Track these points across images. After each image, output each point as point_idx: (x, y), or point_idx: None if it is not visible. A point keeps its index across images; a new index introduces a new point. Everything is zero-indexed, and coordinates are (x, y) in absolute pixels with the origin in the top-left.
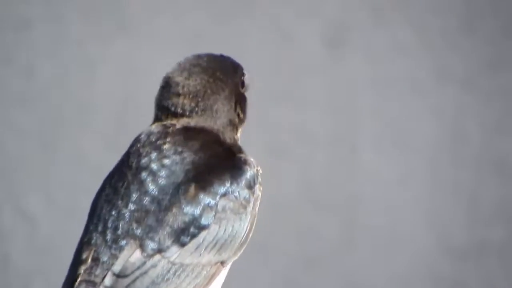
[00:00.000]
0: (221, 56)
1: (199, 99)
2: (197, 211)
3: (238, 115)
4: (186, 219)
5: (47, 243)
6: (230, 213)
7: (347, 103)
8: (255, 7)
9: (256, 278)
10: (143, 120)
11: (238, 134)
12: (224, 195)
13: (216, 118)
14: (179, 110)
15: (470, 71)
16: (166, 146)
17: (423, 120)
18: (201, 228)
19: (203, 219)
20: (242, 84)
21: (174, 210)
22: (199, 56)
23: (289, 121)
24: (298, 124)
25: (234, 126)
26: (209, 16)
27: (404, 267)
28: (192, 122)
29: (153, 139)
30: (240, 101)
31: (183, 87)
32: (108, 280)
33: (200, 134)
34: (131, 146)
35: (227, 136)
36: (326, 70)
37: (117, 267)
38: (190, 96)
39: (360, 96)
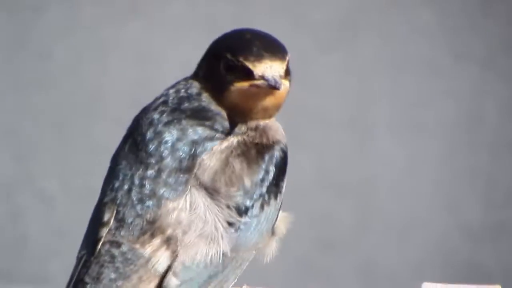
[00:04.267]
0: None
1: None
2: (246, 199)
3: None
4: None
5: (64, 225)
6: (272, 199)
7: (363, 86)
8: None
9: (271, 262)
10: None
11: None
12: (265, 180)
13: None
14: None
15: (488, 52)
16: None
17: (440, 102)
18: (246, 215)
19: (251, 207)
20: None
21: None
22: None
23: (304, 105)
24: (313, 108)
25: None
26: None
27: (419, 250)
28: None
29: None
30: None
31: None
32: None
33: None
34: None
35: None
36: (342, 52)
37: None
38: None
39: (376, 79)
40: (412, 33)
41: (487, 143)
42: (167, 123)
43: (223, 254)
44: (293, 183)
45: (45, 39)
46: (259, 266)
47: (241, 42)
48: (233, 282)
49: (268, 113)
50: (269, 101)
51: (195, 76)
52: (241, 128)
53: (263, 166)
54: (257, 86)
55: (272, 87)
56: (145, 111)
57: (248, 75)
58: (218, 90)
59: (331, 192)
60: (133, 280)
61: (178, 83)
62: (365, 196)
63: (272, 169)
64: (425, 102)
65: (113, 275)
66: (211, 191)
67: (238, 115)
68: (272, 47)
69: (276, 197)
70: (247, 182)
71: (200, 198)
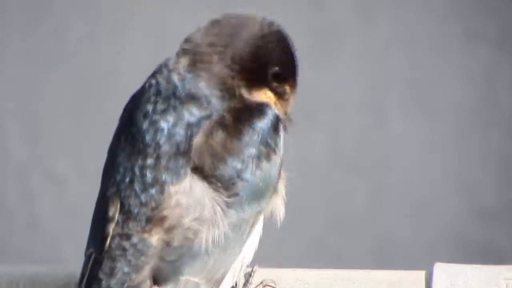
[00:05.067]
0: None
1: None
2: (237, 164)
3: None
4: (226, 170)
5: (76, 205)
6: (265, 160)
7: (377, 67)
8: None
9: (285, 240)
10: None
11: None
12: (256, 142)
13: None
14: None
15: (502, 33)
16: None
17: (453, 83)
18: (242, 180)
19: (244, 172)
20: None
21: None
22: None
23: (318, 85)
24: (327, 88)
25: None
26: None
27: (432, 230)
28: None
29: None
30: None
31: None
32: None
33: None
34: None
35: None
36: (356, 34)
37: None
38: None
39: (390, 60)
40: (426, 14)
41: (500, 123)
42: (163, 112)
43: (224, 234)
44: (307, 163)
45: (60, 17)
46: (271, 244)
47: (291, 62)
48: (250, 253)
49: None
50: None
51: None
52: (233, 103)
53: (249, 129)
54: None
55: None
56: (136, 101)
57: (286, 92)
58: (250, 80)
59: (345, 172)
60: (145, 271)
61: (166, 66)
62: (378, 176)
63: (259, 129)
64: (438, 83)
65: (126, 269)
66: (205, 169)
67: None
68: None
69: (269, 157)
70: (234, 149)
71: (197, 179)
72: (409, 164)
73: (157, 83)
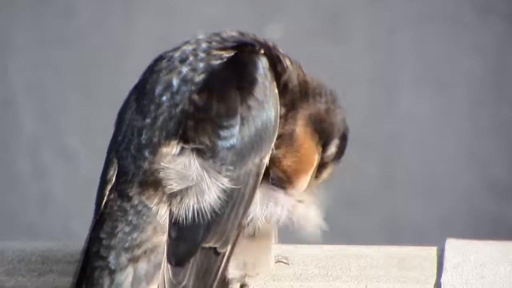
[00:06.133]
0: None
1: None
2: (225, 117)
3: None
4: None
5: (87, 182)
6: (255, 106)
7: (387, 41)
8: None
9: None
10: None
11: None
12: (244, 88)
13: None
14: None
15: None
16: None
17: (465, 58)
18: (232, 133)
19: (232, 123)
20: None
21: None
22: None
23: (330, 60)
24: (339, 63)
25: None
26: None
27: (444, 206)
28: None
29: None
30: None
31: None
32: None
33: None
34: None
35: None
36: (368, 9)
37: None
38: None
39: (400, 34)
40: None
41: (511, 97)
42: (181, 61)
43: (217, 197)
44: None
45: None
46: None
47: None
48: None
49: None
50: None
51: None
52: None
53: (234, 77)
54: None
55: None
56: (160, 60)
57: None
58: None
59: (356, 147)
60: (148, 231)
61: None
62: (390, 152)
63: (248, 83)
64: (450, 58)
65: (127, 228)
66: (195, 127)
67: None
68: None
69: (259, 108)
70: (218, 103)
71: (187, 142)
72: (420, 140)
73: (185, 51)
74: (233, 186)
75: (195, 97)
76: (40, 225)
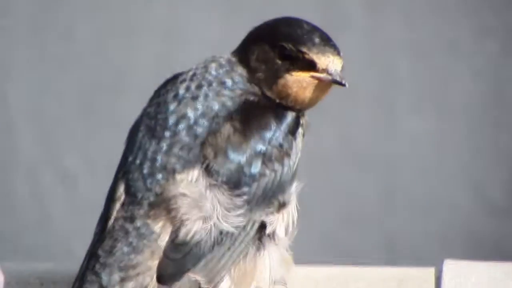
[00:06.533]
0: None
1: None
2: (245, 163)
3: None
4: (232, 167)
5: (87, 203)
6: (276, 162)
7: (386, 63)
8: None
9: (296, 236)
10: None
11: None
12: (269, 141)
13: None
14: None
15: (510, 30)
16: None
17: (463, 81)
18: (251, 178)
19: (252, 167)
20: None
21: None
22: None
23: None
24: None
25: None
26: None
27: (443, 227)
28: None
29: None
30: None
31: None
32: None
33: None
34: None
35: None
36: (366, 30)
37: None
38: None
39: (399, 57)
40: (434, 12)
41: (510, 121)
42: (193, 98)
43: (222, 230)
44: (317, 158)
45: (70, 17)
46: None
47: (302, 32)
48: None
49: (312, 105)
50: (322, 94)
51: (237, 58)
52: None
53: (261, 130)
54: (319, 79)
55: (337, 82)
56: (170, 84)
57: (310, 66)
58: (267, 77)
59: (355, 167)
60: (145, 254)
61: (213, 60)
62: (389, 172)
63: (273, 128)
64: (449, 80)
65: (126, 249)
66: (214, 164)
67: (283, 103)
68: (332, 42)
69: (280, 159)
70: (243, 147)
71: (205, 173)
72: (421, 160)
73: (196, 69)
74: (239, 231)
75: (219, 134)
76: (39, 247)
